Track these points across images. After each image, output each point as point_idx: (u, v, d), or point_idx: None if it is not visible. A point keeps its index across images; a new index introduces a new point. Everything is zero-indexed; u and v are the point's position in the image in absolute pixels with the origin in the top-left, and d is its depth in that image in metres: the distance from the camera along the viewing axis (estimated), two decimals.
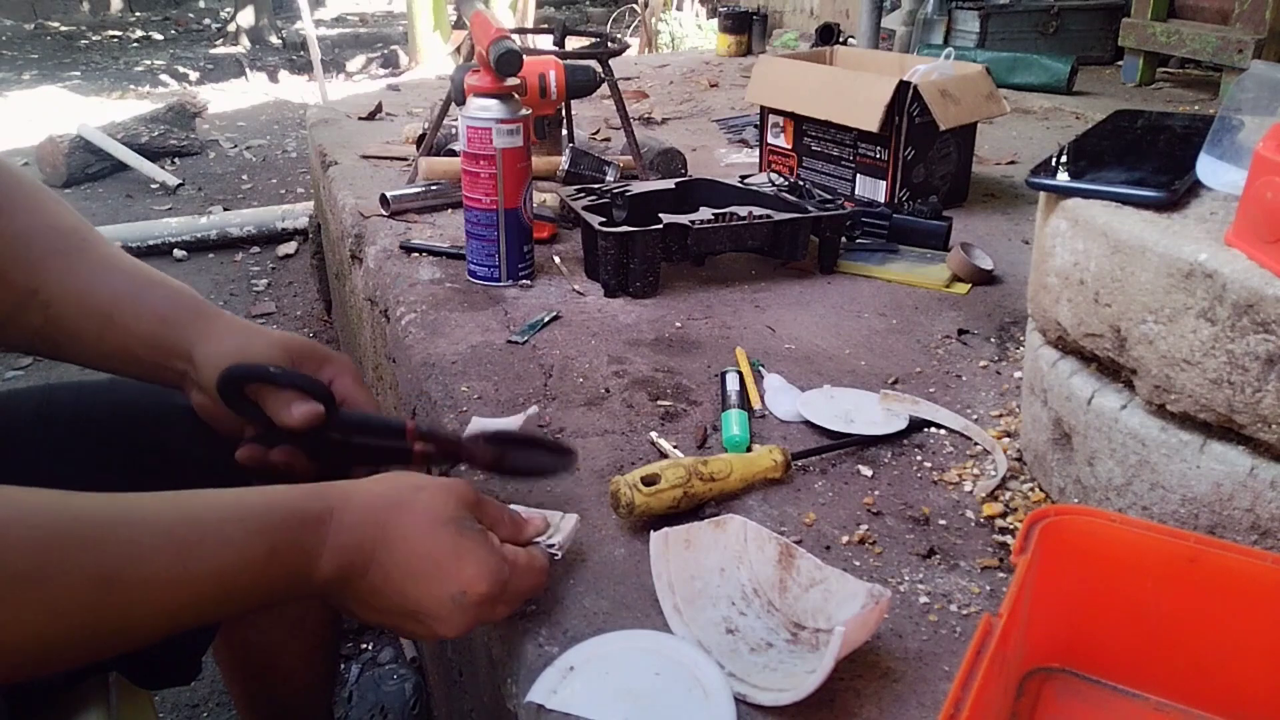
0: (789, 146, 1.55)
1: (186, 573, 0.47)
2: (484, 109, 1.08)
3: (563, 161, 1.41)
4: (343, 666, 1.30)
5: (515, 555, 0.58)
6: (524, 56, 1.07)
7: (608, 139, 1.95)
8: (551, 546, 0.63)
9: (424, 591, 0.54)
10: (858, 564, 0.69)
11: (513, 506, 0.65)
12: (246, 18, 7.43)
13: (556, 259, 1.26)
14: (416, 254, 1.29)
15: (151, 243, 2.86)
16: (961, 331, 1.08)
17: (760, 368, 0.97)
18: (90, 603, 0.44)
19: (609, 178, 1.39)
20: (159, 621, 0.47)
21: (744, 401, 0.89)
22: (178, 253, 2.91)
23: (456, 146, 1.46)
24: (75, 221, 0.68)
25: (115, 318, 0.66)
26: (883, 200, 1.41)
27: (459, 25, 5.17)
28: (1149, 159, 0.76)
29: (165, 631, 0.48)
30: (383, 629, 0.61)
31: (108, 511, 0.46)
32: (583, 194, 1.21)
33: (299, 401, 0.64)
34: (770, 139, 1.58)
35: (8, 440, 0.69)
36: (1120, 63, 2.68)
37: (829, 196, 1.24)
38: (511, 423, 0.80)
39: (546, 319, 1.09)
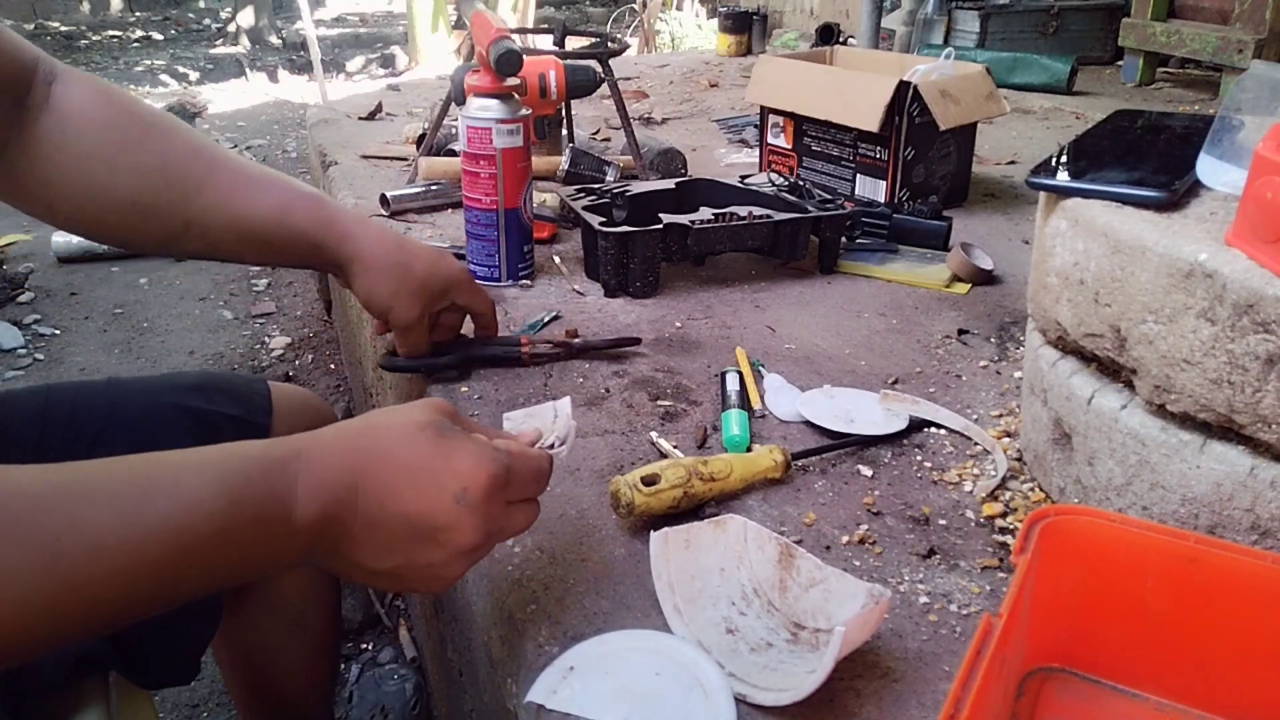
0: (789, 146, 1.55)
1: (136, 533, 0.42)
2: (484, 109, 1.08)
3: (563, 161, 1.41)
4: (343, 666, 1.30)
5: (508, 444, 0.55)
6: (524, 56, 1.07)
7: (608, 139, 1.95)
8: (552, 447, 0.59)
9: (423, 503, 0.49)
10: (858, 564, 0.69)
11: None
12: (246, 18, 7.43)
13: (556, 259, 1.26)
14: None
15: None
16: (961, 331, 1.08)
17: (760, 368, 0.97)
18: (36, 579, 0.40)
19: (609, 178, 1.39)
20: (119, 594, 0.42)
21: (744, 401, 0.89)
22: None
23: (456, 146, 1.46)
24: (198, 142, 0.71)
25: (270, 242, 0.72)
26: (883, 200, 1.41)
27: (459, 25, 5.17)
28: (1149, 159, 0.76)
29: (133, 607, 0.43)
30: (397, 585, 0.55)
31: (46, 481, 0.42)
32: (583, 194, 1.21)
33: None
34: (770, 139, 1.58)
35: (7, 440, 0.69)
36: (1120, 63, 2.68)
37: (829, 196, 1.24)
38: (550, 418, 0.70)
39: (546, 319, 1.09)
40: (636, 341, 1.01)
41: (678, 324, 1.09)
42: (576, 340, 0.99)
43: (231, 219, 0.70)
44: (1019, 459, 0.82)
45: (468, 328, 0.95)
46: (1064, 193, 0.71)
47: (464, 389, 0.93)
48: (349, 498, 0.49)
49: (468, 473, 0.50)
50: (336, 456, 0.49)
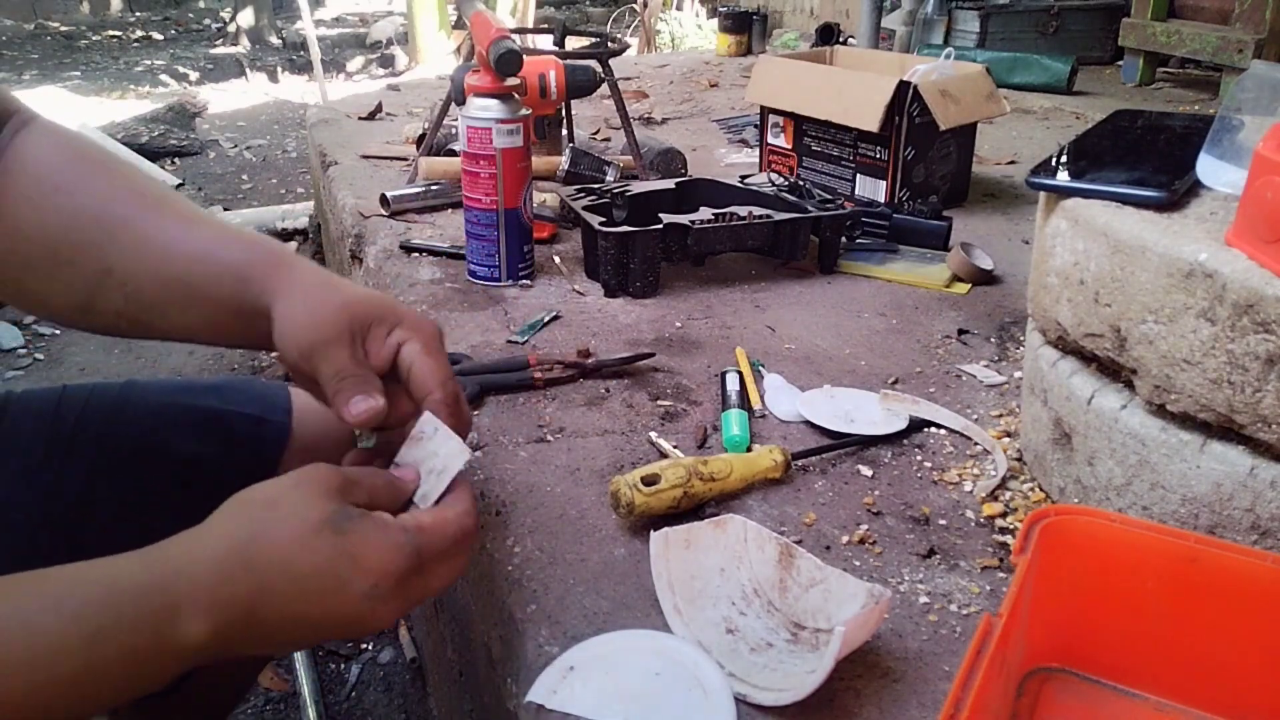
0: (789, 146, 1.55)
1: None
2: (484, 109, 1.09)
3: (563, 161, 1.41)
4: (343, 666, 1.30)
5: (418, 520, 0.51)
6: (524, 56, 1.07)
7: (608, 139, 1.95)
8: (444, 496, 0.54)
9: (332, 606, 0.47)
10: (858, 564, 0.69)
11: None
12: (246, 18, 7.43)
13: (556, 259, 1.26)
14: (416, 254, 1.29)
15: None
16: (961, 331, 1.08)
17: (760, 368, 0.97)
18: None
19: (609, 178, 1.39)
20: None
21: (744, 401, 0.89)
22: None
23: (456, 146, 1.46)
24: (142, 185, 0.63)
25: (195, 284, 0.59)
26: (883, 200, 1.41)
27: (459, 25, 5.17)
28: (1149, 159, 0.76)
29: None
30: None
31: None
32: (583, 194, 1.21)
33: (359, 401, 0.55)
34: (770, 139, 1.58)
35: (21, 436, 0.69)
36: (1120, 63, 2.68)
37: (829, 196, 1.24)
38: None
39: (546, 319, 1.09)
40: (650, 355, 0.99)
41: (678, 324, 1.09)
42: (590, 360, 0.96)
43: (157, 265, 0.59)
44: (1019, 459, 0.82)
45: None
46: (1064, 193, 0.71)
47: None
48: (245, 615, 0.46)
49: (376, 569, 0.47)
50: (224, 576, 0.46)
